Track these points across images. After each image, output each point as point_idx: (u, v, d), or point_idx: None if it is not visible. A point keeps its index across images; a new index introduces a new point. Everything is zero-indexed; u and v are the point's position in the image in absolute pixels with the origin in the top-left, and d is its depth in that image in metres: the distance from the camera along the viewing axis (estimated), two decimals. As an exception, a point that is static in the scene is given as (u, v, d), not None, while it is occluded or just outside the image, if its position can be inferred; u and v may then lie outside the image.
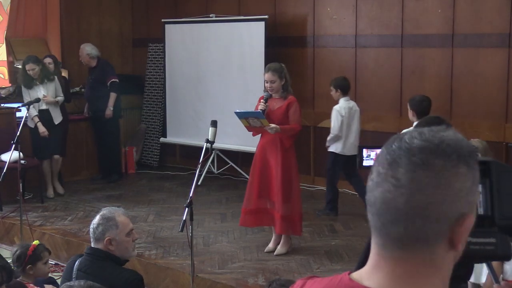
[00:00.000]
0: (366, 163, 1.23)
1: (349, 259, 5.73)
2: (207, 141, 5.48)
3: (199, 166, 5.44)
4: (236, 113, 5.93)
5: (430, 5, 7.41)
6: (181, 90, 9.40)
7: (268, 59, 8.38)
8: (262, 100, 5.80)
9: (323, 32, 8.35)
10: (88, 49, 8.78)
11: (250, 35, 8.60)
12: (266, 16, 8.46)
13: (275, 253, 5.92)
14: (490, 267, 1.44)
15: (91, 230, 3.70)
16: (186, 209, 5.17)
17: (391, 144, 1.16)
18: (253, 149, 7.97)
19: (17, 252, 4.08)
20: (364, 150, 1.40)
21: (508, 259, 1.34)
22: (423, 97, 5.92)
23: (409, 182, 1.11)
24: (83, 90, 9.34)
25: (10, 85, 9.11)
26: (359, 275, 1.19)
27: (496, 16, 6.94)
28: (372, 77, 7.87)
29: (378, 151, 1.53)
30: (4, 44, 9.30)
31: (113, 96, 8.70)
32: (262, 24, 8.43)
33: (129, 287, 3.61)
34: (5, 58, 9.32)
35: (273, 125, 5.67)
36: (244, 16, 8.82)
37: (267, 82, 5.77)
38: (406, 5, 7.58)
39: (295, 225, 5.86)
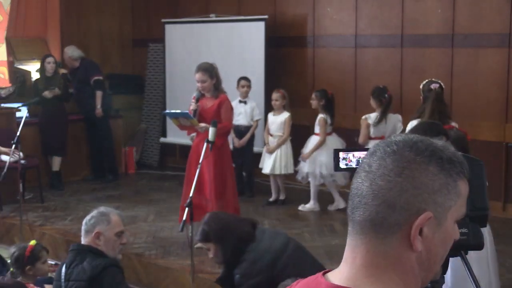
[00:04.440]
0: (342, 165, 1.28)
1: (349, 259, 5.72)
2: (207, 141, 5.49)
3: (199, 166, 5.45)
4: (166, 113, 6.07)
5: (430, 5, 7.41)
6: (181, 90, 9.39)
7: (268, 59, 8.41)
8: (193, 100, 5.91)
9: (323, 32, 8.35)
10: (69, 52, 8.80)
11: (250, 35, 8.60)
12: (266, 16, 8.46)
13: None
14: (464, 261, 1.44)
15: (83, 222, 3.77)
16: (186, 209, 5.18)
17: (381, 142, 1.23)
18: (256, 149, 8.02)
19: (15, 254, 4.07)
20: (340, 153, 1.42)
21: (480, 248, 1.37)
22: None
23: (377, 167, 1.16)
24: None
25: (10, 85, 9.11)
26: (332, 272, 1.23)
27: (496, 16, 6.94)
28: (372, 77, 7.87)
29: (356, 153, 1.56)
30: (4, 44, 9.30)
31: (99, 94, 8.68)
32: (262, 24, 8.43)
33: (106, 273, 3.62)
34: (5, 58, 9.31)
35: (203, 124, 5.78)
36: (244, 16, 8.82)
37: (198, 82, 5.89)
38: (406, 5, 7.58)
39: None
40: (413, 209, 1.14)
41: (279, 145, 7.47)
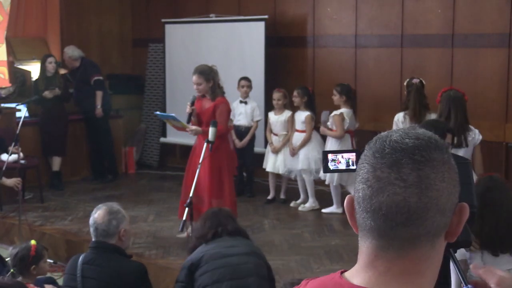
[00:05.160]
0: (330, 167, 1.31)
1: (349, 259, 5.72)
2: (207, 141, 5.50)
3: (199, 166, 5.46)
4: (157, 114, 6.25)
5: (430, 5, 7.41)
6: (181, 90, 9.39)
7: (268, 59, 8.41)
8: (188, 103, 6.01)
9: (323, 32, 8.35)
10: (69, 52, 8.80)
11: (250, 35, 8.60)
12: (266, 16, 8.46)
13: None
14: (453, 258, 1.44)
15: (100, 228, 3.73)
16: (186, 209, 5.18)
17: (383, 148, 1.15)
18: (257, 149, 8.03)
19: (19, 254, 4.05)
20: (329, 155, 1.43)
21: (468, 246, 1.38)
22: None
23: (417, 180, 1.11)
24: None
25: (10, 85, 9.11)
26: (350, 273, 1.20)
27: (496, 16, 6.94)
28: (372, 77, 7.87)
29: (345, 155, 1.57)
30: (4, 44, 9.30)
31: (99, 94, 8.69)
32: (262, 24, 8.43)
33: (137, 275, 3.74)
34: (5, 58, 9.32)
35: (193, 126, 5.89)
36: (244, 16, 8.82)
37: (194, 84, 5.98)
38: (406, 5, 7.58)
39: None
40: (454, 206, 1.16)
41: (284, 144, 7.51)
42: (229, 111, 6.11)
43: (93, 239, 3.81)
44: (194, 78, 5.96)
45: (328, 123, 7.06)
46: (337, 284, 1.18)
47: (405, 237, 1.13)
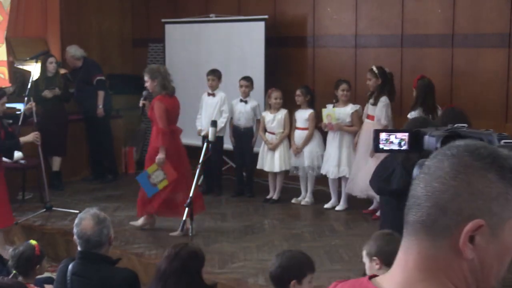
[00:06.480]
0: (382, 146, 1.28)
1: (349, 259, 5.72)
2: (207, 141, 5.51)
3: (199, 166, 5.47)
4: (138, 180, 6.56)
5: (430, 5, 7.41)
6: (181, 90, 9.37)
7: (268, 59, 8.41)
8: (141, 98, 6.46)
9: (323, 32, 8.35)
10: (71, 51, 8.80)
11: (250, 35, 8.60)
12: (266, 16, 8.46)
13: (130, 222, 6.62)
14: None
15: (93, 239, 3.63)
16: (186, 209, 5.19)
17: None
18: (257, 149, 8.03)
19: (25, 255, 4.02)
20: (382, 134, 1.38)
21: None
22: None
23: (434, 170, 1.14)
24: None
25: (10, 85, 9.10)
26: (381, 277, 1.21)
27: (496, 16, 6.95)
28: (372, 77, 7.86)
29: (398, 135, 1.52)
30: (4, 44, 9.29)
31: (101, 94, 8.70)
32: (262, 24, 8.44)
33: (126, 285, 3.64)
34: (5, 58, 9.31)
35: (161, 158, 6.25)
36: (244, 16, 8.82)
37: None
38: (406, 5, 7.59)
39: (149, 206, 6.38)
40: (465, 215, 1.10)
41: (281, 140, 7.57)
42: (164, 109, 6.27)
43: (79, 249, 3.67)
44: (144, 77, 6.36)
45: (348, 120, 7.25)
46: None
47: (410, 222, 1.16)
